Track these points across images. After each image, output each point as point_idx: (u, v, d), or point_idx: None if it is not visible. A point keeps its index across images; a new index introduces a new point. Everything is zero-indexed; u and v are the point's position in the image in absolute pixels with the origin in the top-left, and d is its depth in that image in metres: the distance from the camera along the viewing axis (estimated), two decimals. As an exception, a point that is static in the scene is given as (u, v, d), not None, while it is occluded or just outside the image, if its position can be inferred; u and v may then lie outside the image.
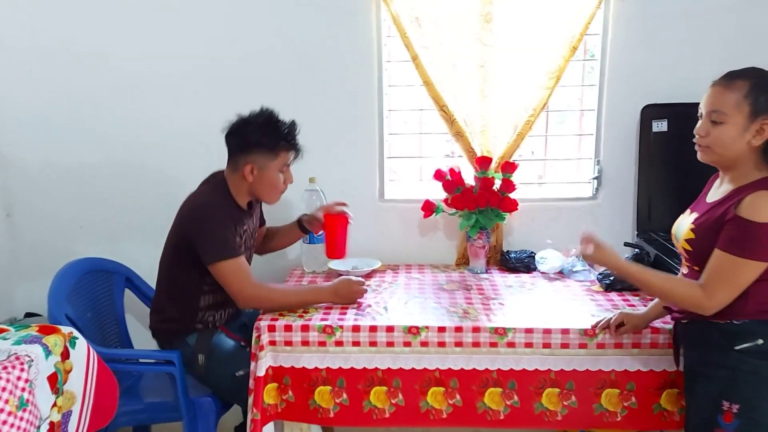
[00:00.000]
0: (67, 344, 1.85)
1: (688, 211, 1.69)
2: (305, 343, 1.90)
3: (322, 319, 1.93)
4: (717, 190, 1.63)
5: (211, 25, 2.49)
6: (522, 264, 2.44)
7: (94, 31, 2.50)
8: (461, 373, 1.89)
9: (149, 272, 2.23)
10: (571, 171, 2.66)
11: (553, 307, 2.04)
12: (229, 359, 2.02)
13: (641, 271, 1.63)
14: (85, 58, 2.51)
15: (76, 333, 1.87)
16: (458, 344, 1.88)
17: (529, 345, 1.87)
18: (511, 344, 1.87)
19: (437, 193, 2.46)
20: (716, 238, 1.51)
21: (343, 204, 2.28)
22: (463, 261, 2.55)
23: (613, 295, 2.15)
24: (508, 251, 2.52)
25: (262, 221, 2.33)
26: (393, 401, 1.91)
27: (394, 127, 2.63)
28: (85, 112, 2.56)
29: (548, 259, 2.40)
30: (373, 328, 1.89)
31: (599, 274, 2.27)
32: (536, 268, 2.43)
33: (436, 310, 2.01)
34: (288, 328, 1.90)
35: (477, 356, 1.89)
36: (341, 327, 1.89)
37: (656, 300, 1.83)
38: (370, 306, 2.05)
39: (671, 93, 2.34)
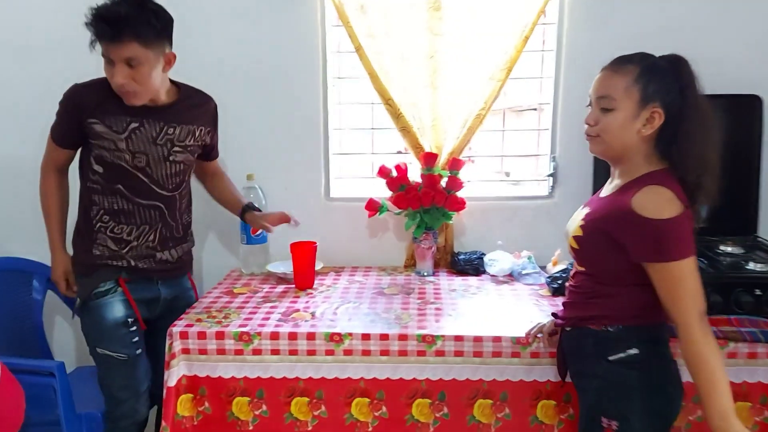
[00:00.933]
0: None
1: (581, 206, 1.56)
2: (221, 351, 1.78)
3: (241, 325, 1.81)
4: (609, 186, 1.51)
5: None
6: (471, 266, 2.32)
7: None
8: (388, 384, 1.77)
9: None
10: (530, 169, 2.53)
11: (493, 313, 1.92)
12: (104, 330, 1.84)
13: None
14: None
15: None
16: (384, 353, 1.76)
17: (459, 353, 1.75)
18: (440, 353, 1.75)
19: (386, 191, 2.34)
20: (605, 237, 1.39)
21: (287, 219, 2.10)
22: (411, 263, 2.43)
23: (560, 300, 2.01)
24: (458, 252, 2.39)
25: (211, 156, 2.08)
26: (315, 413, 1.79)
27: (345, 121, 2.51)
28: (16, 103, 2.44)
29: (498, 261, 2.28)
30: (293, 336, 1.77)
31: (548, 277, 2.14)
32: (485, 270, 2.30)
33: (367, 316, 1.89)
34: (202, 335, 1.78)
35: (405, 365, 1.77)
36: (259, 334, 1.77)
37: None
38: (297, 311, 1.93)
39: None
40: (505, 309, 1.96)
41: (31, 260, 2.20)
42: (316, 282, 2.22)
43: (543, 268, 2.26)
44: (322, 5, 2.34)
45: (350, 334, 1.76)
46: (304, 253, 2.14)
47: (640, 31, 2.23)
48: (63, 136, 1.82)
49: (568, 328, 1.56)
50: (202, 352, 1.78)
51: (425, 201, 2.24)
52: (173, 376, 1.76)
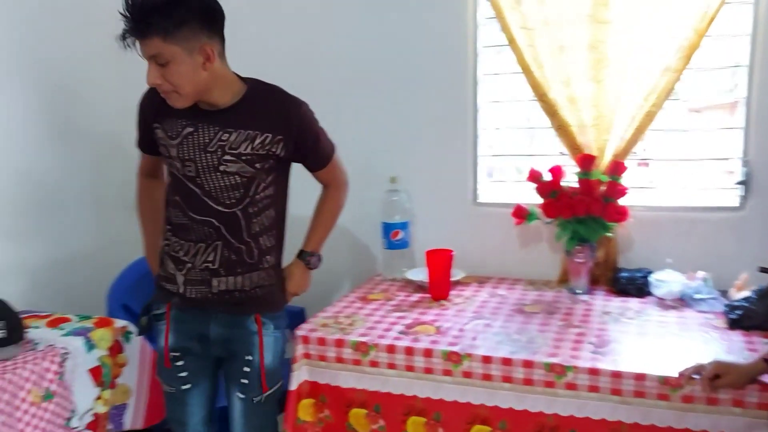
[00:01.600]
0: (120, 339, 1.90)
1: None
2: (340, 360, 1.74)
3: (361, 335, 1.75)
4: None
5: (288, 14, 2.41)
6: (633, 286, 2.02)
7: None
8: (511, 414, 1.60)
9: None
10: (712, 174, 2.15)
11: (647, 345, 1.64)
12: (157, 358, 1.75)
13: None
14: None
15: (131, 328, 1.92)
16: (506, 379, 1.59)
17: (594, 389, 1.51)
18: (571, 386, 1.53)
19: (533, 197, 2.14)
20: None
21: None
22: (565, 278, 2.18)
23: (736, 335, 1.68)
24: (621, 269, 2.11)
25: (311, 167, 1.73)
26: (433, 435, 1.67)
27: (497, 120, 2.34)
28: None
29: (666, 281, 1.96)
30: (409, 351, 1.67)
31: (727, 304, 1.79)
32: (650, 291, 1.99)
33: (496, 335, 1.73)
34: (322, 341, 1.75)
35: (531, 396, 1.58)
36: (376, 346, 1.70)
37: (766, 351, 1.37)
38: (423, 324, 1.82)
39: None
40: (661, 340, 1.66)
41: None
42: (454, 292, 2.09)
43: (723, 293, 1.90)
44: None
45: (469, 355, 1.61)
46: (439, 262, 2.03)
47: None
48: (139, 140, 1.71)
49: None
50: (322, 358, 1.76)
51: (579, 210, 2.00)
52: (295, 380, 1.76)
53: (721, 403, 1.42)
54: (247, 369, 1.64)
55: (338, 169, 1.76)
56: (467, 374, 1.62)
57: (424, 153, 2.32)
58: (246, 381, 1.64)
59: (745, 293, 1.81)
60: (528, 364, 1.56)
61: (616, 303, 1.96)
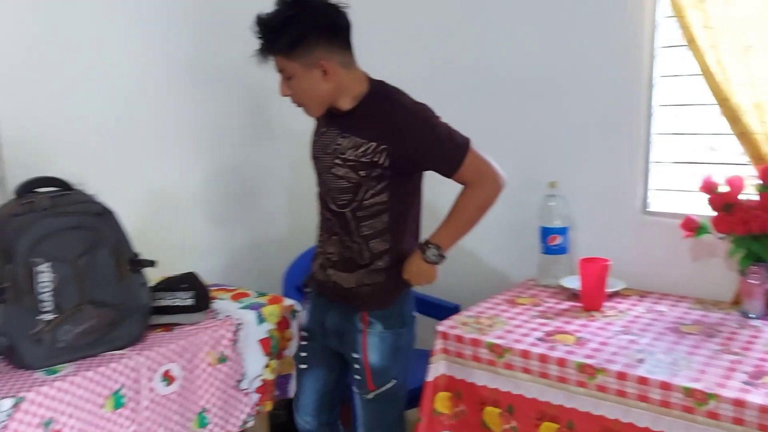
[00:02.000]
0: (288, 316, 2.13)
1: None
2: (476, 358, 1.79)
3: (498, 337, 1.79)
4: None
5: (452, 22, 2.47)
6: (821, 315, 1.79)
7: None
8: (646, 435, 1.53)
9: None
10: None
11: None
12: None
13: None
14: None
15: (297, 307, 2.14)
16: (642, 398, 1.52)
17: (739, 422, 1.40)
18: (712, 415, 1.43)
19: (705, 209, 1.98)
20: None
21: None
22: (740, 300, 1.99)
23: None
24: (809, 295, 1.88)
25: (448, 171, 1.67)
26: (565, 444, 1.66)
27: (673, 125, 2.20)
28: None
29: None
30: (543, 358, 1.67)
31: None
32: (842, 324, 1.75)
33: (639, 353, 1.65)
34: (459, 339, 1.82)
35: (667, 419, 1.50)
36: (510, 350, 1.72)
37: None
38: (564, 333, 1.80)
39: None
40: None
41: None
42: (608, 304, 2.02)
43: None
44: (653, -1, 2.09)
45: (604, 370, 1.57)
46: (593, 271, 1.97)
47: None
48: None
49: None
50: (459, 355, 1.82)
51: (754, 226, 1.82)
52: (432, 372, 1.85)
53: None
54: (356, 366, 1.76)
55: (475, 170, 1.65)
56: (601, 388, 1.58)
57: (588, 158, 2.25)
58: (358, 377, 1.77)
59: None
60: (665, 386, 1.49)
61: (792, 333, 1.76)
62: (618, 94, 2.18)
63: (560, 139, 2.30)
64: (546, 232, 2.23)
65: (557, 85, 2.28)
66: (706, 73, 1.96)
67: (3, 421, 1.42)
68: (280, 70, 1.62)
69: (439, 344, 1.85)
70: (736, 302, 2.00)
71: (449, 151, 1.64)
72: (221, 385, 1.89)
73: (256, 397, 2.00)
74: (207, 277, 2.09)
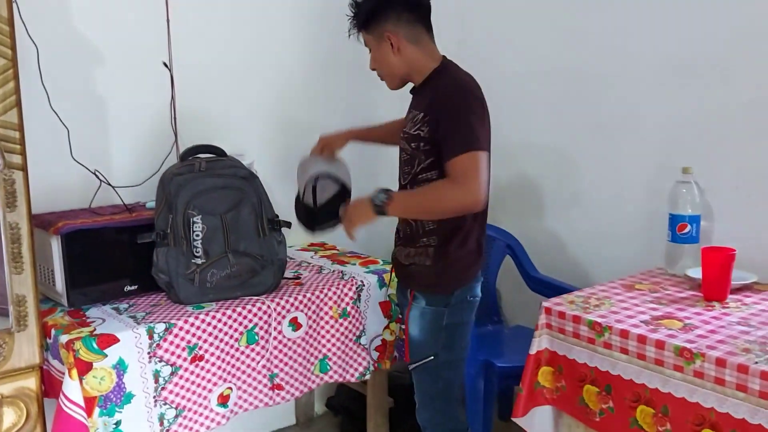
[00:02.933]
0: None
1: None
2: (576, 335, 1.82)
3: (600, 316, 1.80)
4: None
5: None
6: None
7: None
8: (743, 425, 1.48)
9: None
10: None
11: None
12: None
13: None
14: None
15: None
16: (741, 388, 1.47)
17: (844, 420, 1.31)
18: (816, 410, 1.36)
19: None
20: None
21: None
22: None
23: None
24: None
25: (446, 156, 1.67)
26: (660, 429, 1.64)
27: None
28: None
29: None
30: (641, 338, 1.66)
31: None
32: None
33: (746, 343, 1.59)
34: (562, 315, 1.86)
35: (766, 411, 1.44)
36: (610, 328, 1.73)
37: None
38: (672, 318, 1.77)
39: None
40: None
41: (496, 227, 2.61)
42: (735, 297, 1.92)
43: None
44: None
45: (702, 355, 1.54)
46: (716, 260, 1.90)
47: None
48: None
49: None
50: (561, 331, 1.86)
51: None
52: (534, 345, 1.90)
53: None
54: (403, 336, 1.88)
55: (463, 170, 1.62)
56: (698, 374, 1.55)
57: (731, 145, 2.13)
58: (406, 348, 1.87)
59: None
60: (765, 375, 1.43)
61: None
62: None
63: (703, 123, 2.19)
64: (675, 220, 2.16)
65: (705, 62, 2.17)
66: None
67: (157, 342, 1.74)
68: (366, 45, 1.83)
69: (542, 319, 1.90)
70: None
71: (458, 138, 1.64)
72: (342, 337, 2.11)
73: (375, 354, 2.19)
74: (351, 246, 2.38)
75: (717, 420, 1.52)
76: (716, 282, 1.91)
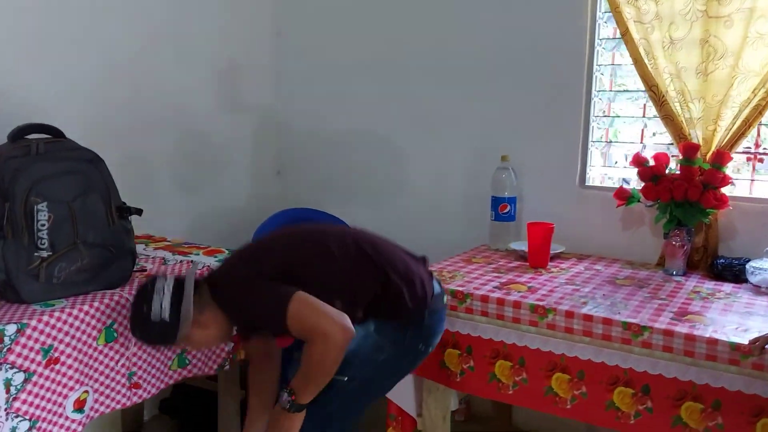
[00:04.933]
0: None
1: None
2: (484, 313, 1.92)
3: (459, 285, 1.99)
4: None
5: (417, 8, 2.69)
6: (730, 272, 2.10)
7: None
8: (589, 365, 1.77)
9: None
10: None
11: (725, 319, 1.73)
12: None
13: None
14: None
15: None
16: (587, 333, 1.76)
17: (668, 349, 1.65)
18: (646, 344, 1.68)
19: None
20: None
21: None
22: (664, 261, 2.29)
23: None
24: (720, 256, 2.18)
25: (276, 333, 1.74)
26: (517, 378, 1.88)
27: (611, 109, 2.48)
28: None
29: (764, 269, 2.02)
30: (500, 301, 1.89)
31: (821, 293, 1.84)
32: (747, 279, 2.06)
33: (582, 297, 1.90)
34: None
35: (607, 350, 1.74)
36: (471, 295, 1.93)
37: None
38: (516, 283, 2.03)
39: None
40: (745, 319, 1.74)
41: (322, 211, 2.70)
42: (551, 264, 2.26)
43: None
44: (594, -8, 2.36)
45: (554, 309, 1.80)
46: (539, 232, 2.21)
47: None
48: None
49: None
50: (468, 311, 1.95)
51: (677, 194, 2.11)
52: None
53: (791, 371, 1.51)
54: None
55: (301, 328, 1.57)
56: (551, 326, 1.81)
57: (537, 136, 2.50)
58: None
59: (842, 285, 1.84)
60: (607, 322, 1.73)
61: (709, 285, 2.05)
62: (563, 80, 2.44)
63: (514, 118, 2.54)
64: (497, 201, 2.46)
65: (511, 70, 2.53)
66: (638, 63, 2.24)
67: (8, 346, 1.49)
68: None
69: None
70: (660, 264, 2.29)
71: (269, 312, 1.58)
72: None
73: (230, 345, 2.12)
74: (175, 236, 2.22)
75: (567, 364, 1.80)
76: (540, 252, 2.23)
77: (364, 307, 1.69)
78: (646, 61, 2.23)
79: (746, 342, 1.55)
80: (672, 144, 2.28)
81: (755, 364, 1.55)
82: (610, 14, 2.29)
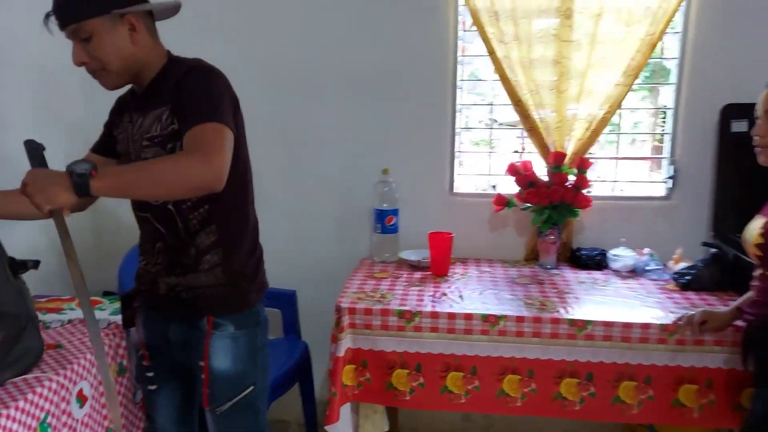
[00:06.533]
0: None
1: (758, 215, 1.68)
2: (384, 326, 1.93)
3: (401, 304, 1.97)
4: None
5: (285, 23, 2.55)
6: (593, 261, 2.44)
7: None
8: (537, 363, 1.91)
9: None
10: (646, 171, 2.64)
11: (630, 304, 2.03)
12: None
13: None
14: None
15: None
16: (536, 335, 1.90)
17: (608, 338, 1.87)
18: (589, 337, 1.88)
19: (506, 188, 2.49)
20: None
21: None
22: (532, 257, 2.56)
23: (691, 294, 2.13)
24: (578, 248, 2.52)
25: (185, 126, 1.38)
26: (469, 387, 1.93)
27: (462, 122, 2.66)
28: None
29: (621, 257, 2.39)
30: (451, 316, 1.92)
31: (675, 273, 2.25)
32: (608, 265, 2.42)
33: (513, 301, 2.03)
34: (369, 311, 1.94)
35: (554, 347, 1.90)
36: (420, 313, 1.93)
37: (740, 300, 1.81)
38: (445, 294, 2.08)
39: (753, 92, 2.30)
40: (639, 300, 2.06)
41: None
42: (450, 270, 2.36)
43: (663, 265, 2.37)
44: (455, 13, 2.50)
45: (505, 317, 1.90)
46: (442, 243, 2.29)
47: (763, 40, 2.34)
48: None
49: (756, 324, 1.68)
50: (368, 326, 1.94)
51: (554, 197, 2.37)
52: (341, 347, 1.92)
53: (706, 344, 1.84)
54: (203, 376, 1.53)
55: (202, 142, 1.33)
56: (502, 332, 1.91)
57: (411, 149, 2.57)
58: (208, 390, 1.54)
59: (684, 264, 2.29)
60: (555, 321, 1.89)
61: (584, 275, 2.36)
62: (432, 95, 2.55)
63: (393, 131, 2.56)
64: (383, 214, 2.47)
65: (387, 87, 2.55)
66: (504, 79, 2.46)
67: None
68: (74, 32, 1.41)
69: (346, 320, 1.94)
70: (528, 259, 2.55)
71: (202, 107, 1.37)
72: (123, 399, 1.65)
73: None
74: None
75: (517, 365, 1.92)
76: (443, 260, 2.31)
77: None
78: (510, 77, 2.45)
79: (671, 322, 1.85)
80: (517, 152, 2.56)
81: (678, 340, 1.85)
82: (477, 33, 2.46)
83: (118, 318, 1.74)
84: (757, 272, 1.68)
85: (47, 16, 1.41)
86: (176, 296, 1.53)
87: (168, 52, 1.55)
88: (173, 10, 1.54)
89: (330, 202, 2.62)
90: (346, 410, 1.99)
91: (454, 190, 2.64)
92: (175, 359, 1.60)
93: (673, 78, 2.50)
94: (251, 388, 1.57)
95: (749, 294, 1.73)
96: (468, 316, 1.91)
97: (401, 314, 1.93)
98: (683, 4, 2.35)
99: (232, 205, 1.52)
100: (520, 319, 1.90)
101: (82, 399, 1.47)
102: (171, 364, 1.61)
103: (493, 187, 2.67)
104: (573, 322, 1.88)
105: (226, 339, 1.53)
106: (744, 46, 2.36)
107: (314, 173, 2.62)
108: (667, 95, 2.55)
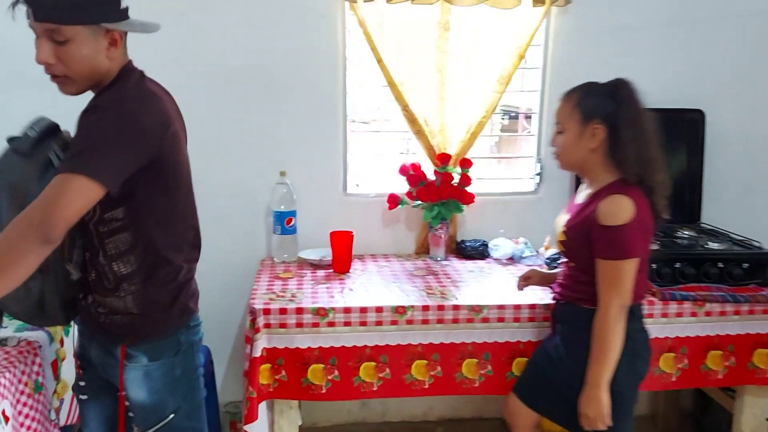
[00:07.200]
0: (62, 332, 1.87)
1: (563, 210, 1.95)
2: (299, 324, 2.01)
3: (314, 302, 2.06)
4: (582, 193, 1.87)
5: (177, 24, 2.53)
6: (477, 252, 2.67)
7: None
8: (441, 347, 2.09)
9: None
10: (518, 168, 2.93)
11: (513, 288, 2.26)
12: None
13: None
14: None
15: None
16: (440, 321, 2.07)
17: (501, 320, 2.09)
18: (485, 319, 2.09)
19: (396, 187, 2.67)
20: (583, 238, 1.74)
21: None
22: (422, 250, 2.75)
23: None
24: (462, 240, 2.75)
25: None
26: (380, 375, 2.07)
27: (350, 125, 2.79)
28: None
29: (500, 246, 2.65)
30: (363, 309, 2.04)
31: (547, 259, 2.54)
32: (489, 255, 2.66)
33: (416, 292, 2.19)
34: (283, 311, 2.01)
35: (456, 331, 2.09)
36: (333, 309, 2.03)
37: (556, 270, 2.06)
38: (351, 290, 2.20)
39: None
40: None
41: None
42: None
43: (536, 252, 2.66)
44: (343, 21, 2.61)
45: (412, 306, 2.06)
46: (343, 241, 2.40)
47: (612, 50, 2.70)
48: None
49: (563, 302, 1.93)
50: (283, 326, 2.01)
51: (443, 195, 2.58)
52: (257, 348, 1.98)
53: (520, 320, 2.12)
54: (126, 403, 1.52)
55: (42, 198, 1.24)
56: (410, 321, 2.06)
57: (307, 151, 2.65)
58: (126, 418, 1.52)
59: (552, 250, 2.59)
60: (456, 308, 2.07)
61: (471, 265, 2.59)
62: (324, 100, 2.65)
63: (289, 135, 2.63)
64: (283, 216, 2.53)
65: (283, 91, 2.61)
66: (392, 86, 2.62)
67: None
68: (49, 30, 1.31)
69: (261, 321, 1.99)
70: (419, 252, 2.74)
71: (69, 156, 1.30)
72: (40, 417, 1.60)
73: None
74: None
75: (423, 351, 2.09)
76: (345, 258, 2.43)
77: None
78: (398, 84, 2.61)
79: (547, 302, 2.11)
80: (403, 153, 2.74)
81: (545, 316, 2.10)
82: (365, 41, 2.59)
83: (27, 335, 1.67)
84: (563, 259, 1.95)
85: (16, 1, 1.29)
86: (96, 317, 1.49)
87: (129, 61, 1.48)
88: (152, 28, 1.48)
89: (228, 205, 2.63)
90: (261, 408, 2.04)
91: (348, 191, 2.76)
92: (102, 376, 1.57)
93: (537, 86, 2.80)
94: (172, 416, 1.52)
95: (560, 271, 1.97)
96: (379, 309, 2.05)
97: (316, 311, 2.02)
98: (544, 21, 2.64)
99: (153, 237, 1.44)
100: (425, 308, 2.07)
101: (4, 418, 1.41)
102: (100, 379, 1.57)
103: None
104: (471, 308, 2.08)
105: (138, 371, 1.48)
106: (597, 57, 2.70)
107: (211, 176, 2.61)
108: (533, 100, 2.84)
